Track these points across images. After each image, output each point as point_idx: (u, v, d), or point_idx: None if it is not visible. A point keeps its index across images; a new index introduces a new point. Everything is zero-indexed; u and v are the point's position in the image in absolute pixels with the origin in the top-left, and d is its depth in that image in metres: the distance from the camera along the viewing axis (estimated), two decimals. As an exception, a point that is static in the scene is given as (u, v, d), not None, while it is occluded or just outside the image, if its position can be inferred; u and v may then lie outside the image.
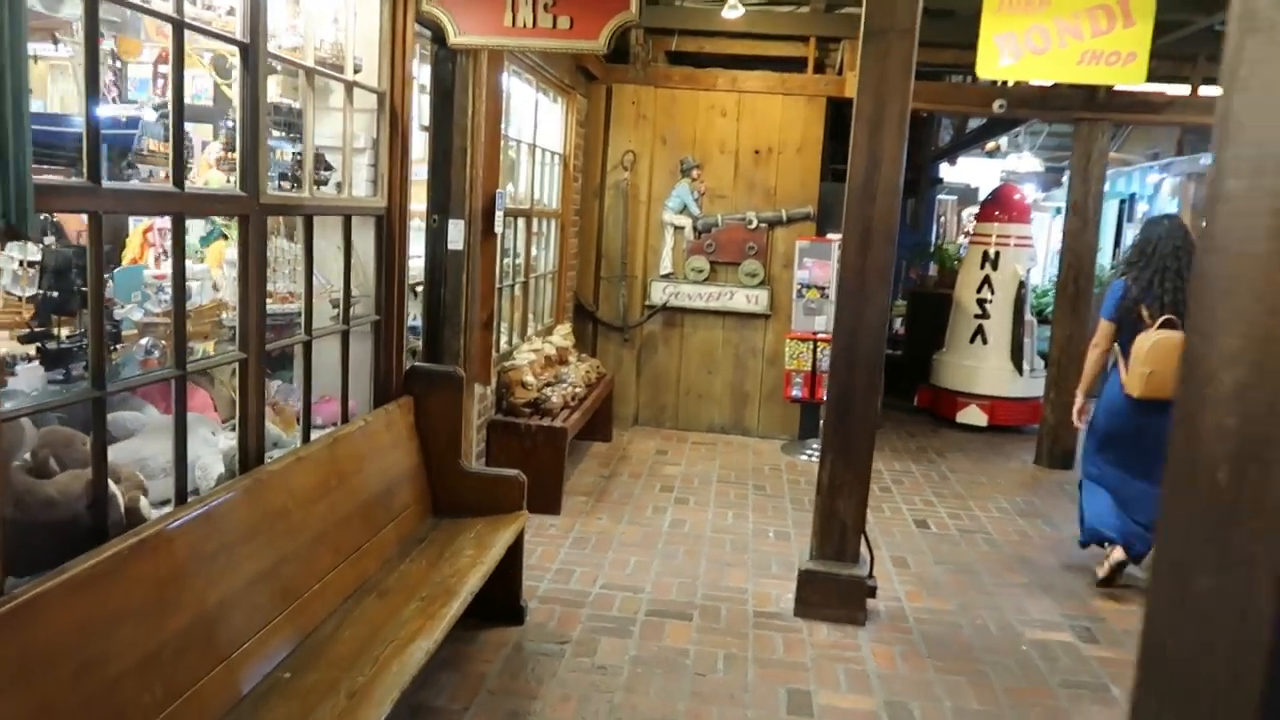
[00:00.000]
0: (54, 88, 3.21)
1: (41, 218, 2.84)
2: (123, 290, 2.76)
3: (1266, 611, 0.74)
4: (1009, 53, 5.32)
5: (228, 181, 3.37)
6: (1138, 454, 4.49)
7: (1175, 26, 6.34)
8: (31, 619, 1.72)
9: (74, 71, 2.75)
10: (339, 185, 3.34)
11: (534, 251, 6.44)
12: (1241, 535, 0.78)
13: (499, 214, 4.99)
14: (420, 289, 5.09)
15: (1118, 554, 4.64)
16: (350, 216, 3.31)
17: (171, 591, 2.10)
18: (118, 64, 3.33)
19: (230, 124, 3.45)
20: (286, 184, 3.08)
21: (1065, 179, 15.93)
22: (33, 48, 2.63)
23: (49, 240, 2.38)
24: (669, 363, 7.57)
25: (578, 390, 5.83)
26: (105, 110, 2.77)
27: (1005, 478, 6.82)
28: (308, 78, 2.99)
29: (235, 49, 2.54)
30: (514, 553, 3.68)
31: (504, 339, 5.77)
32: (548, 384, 5.67)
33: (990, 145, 13.51)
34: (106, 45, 3.39)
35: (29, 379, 2.49)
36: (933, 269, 11.14)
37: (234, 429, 2.71)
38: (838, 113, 7.50)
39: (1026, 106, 7.16)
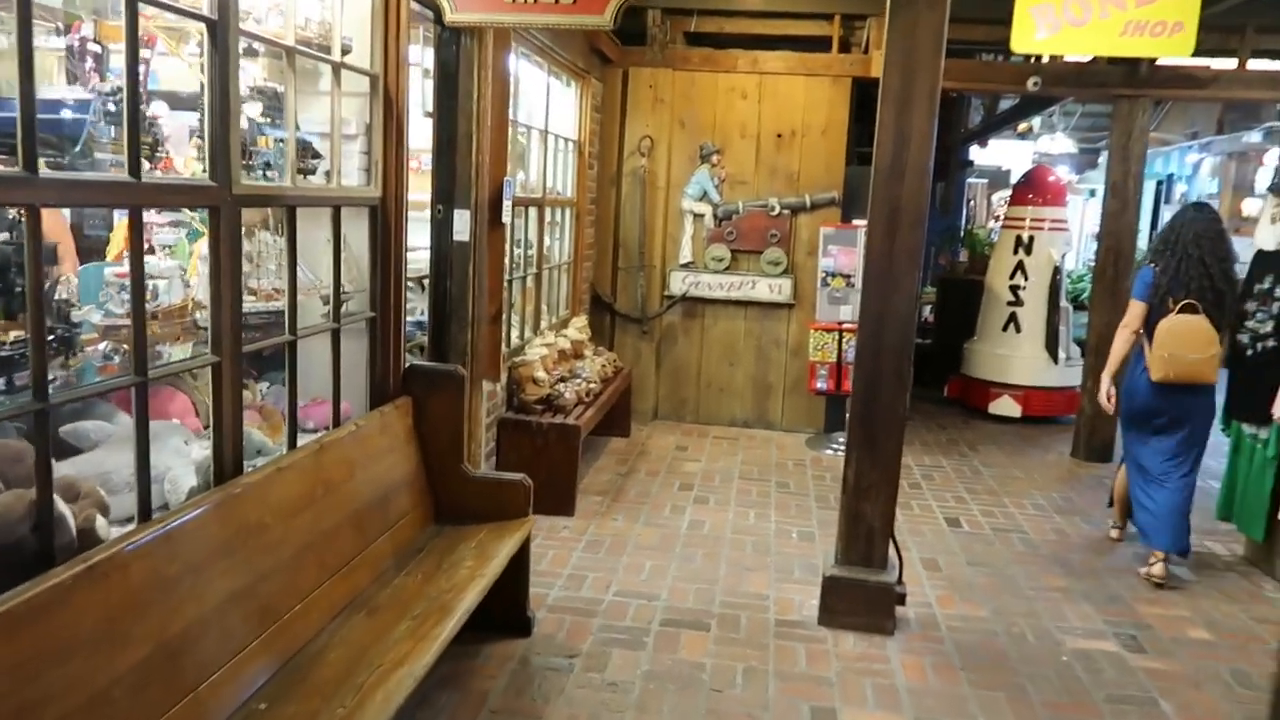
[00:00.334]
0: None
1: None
2: (87, 290, 2.58)
3: None
4: (1046, 25, 5.01)
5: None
6: (1158, 436, 4.61)
7: (1222, -5, 5.99)
8: (-45, 661, 1.53)
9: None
10: (328, 174, 3.13)
11: (547, 242, 6.23)
12: None
13: (507, 203, 4.78)
14: (426, 283, 4.92)
15: (1158, 569, 4.58)
16: (339, 207, 3.11)
17: (126, 622, 1.92)
18: (97, 49, 3.14)
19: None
20: (272, 173, 2.88)
21: (1101, 160, 15.45)
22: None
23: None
24: (689, 355, 7.34)
25: (593, 385, 5.61)
26: (53, 94, 2.58)
27: (1041, 472, 6.53)
28: (289, 58, 2.79)
29: (203, 25, 2.34)
30: (519, 561, 3.49)
31: (515, 333, 5.57)
32: (561, 379, 5.46)
33: (1022, 126, 13.13)
34: (86, 30, 3.21)
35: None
36: (963, 254, 10.81)
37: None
38: (864, 94, 7.20)
39: (1062, 84, 6.84)
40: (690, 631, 3.78)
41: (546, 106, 5.85)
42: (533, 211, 5.83)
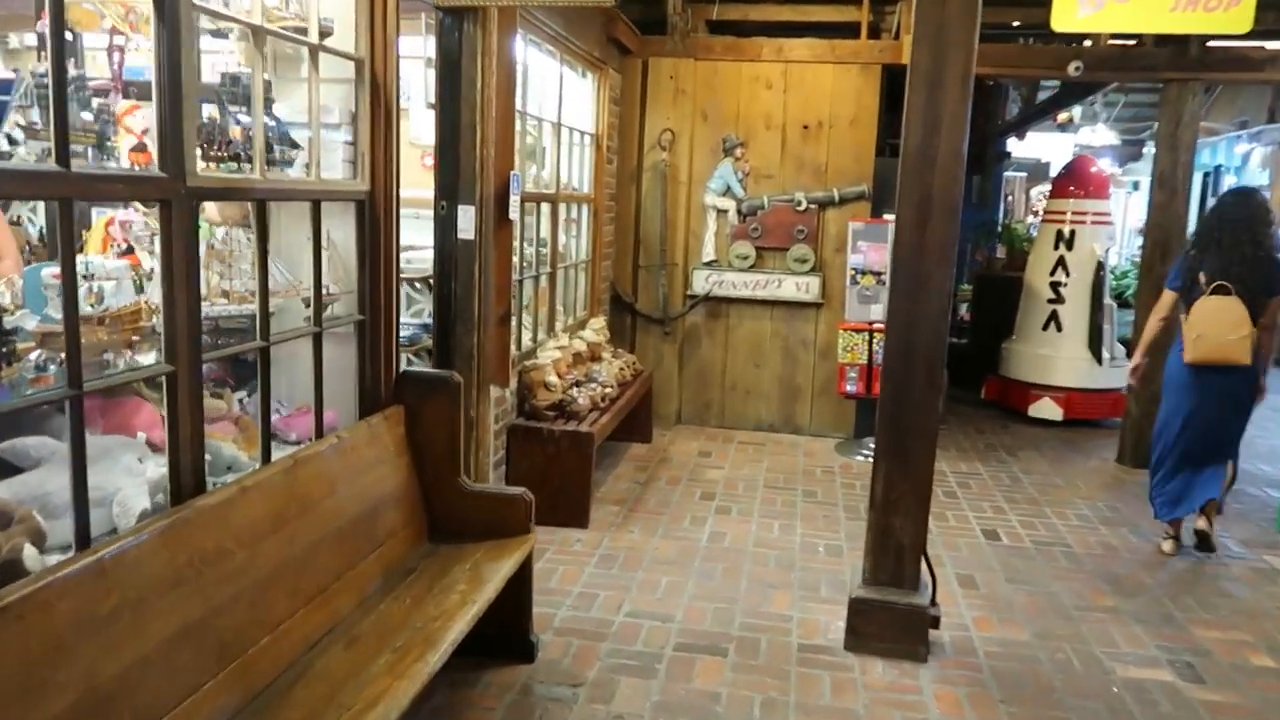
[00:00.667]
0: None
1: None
2: (34, 293, 2.38)
3: None
4: (1089, 2, 4.68)
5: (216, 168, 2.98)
6: (1196, 418, 4.67)
7: (1279, -30, 5.60)
8: None
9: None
10: (308, 167, 2.90)
11: (563, 239, 5.99)
12: None
13: (514, 198, 4.54)
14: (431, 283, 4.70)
15: (1200, 523, 4.79)
16: (319, 202, 2.88)
17: (47, 668, 1.69)
18: (69, 35, 2.94)
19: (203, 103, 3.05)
20: (246, 165, 2.65)
21: (1146, 151, 14.90)
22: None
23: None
24: (713, 356, 7.06)
25: (609, 390, 5.36)
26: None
27: (1084, 479, 6.18)
28: (255, 39, 2.56)
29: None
30: (520, 582, 3.24)
31: (527, 335, 5.34)
32: (575, 384, 5.21)
33: (1062, 117, 12.67)
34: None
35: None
36: (1000, 250, 10.42)
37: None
38: (894, 82, 6.88)
39: (1105, 68, 6.48)
40: (706, 657, 3.51)
41: (560, 98, 5.61)
42: (546, 208, 5.59)
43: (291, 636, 2.41)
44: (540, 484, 4.72)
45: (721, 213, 6.85)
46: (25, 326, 2.26)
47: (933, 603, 3.65)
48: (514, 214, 4.58)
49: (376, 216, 3.18)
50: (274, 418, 3.14)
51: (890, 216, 6.39)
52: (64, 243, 1.87)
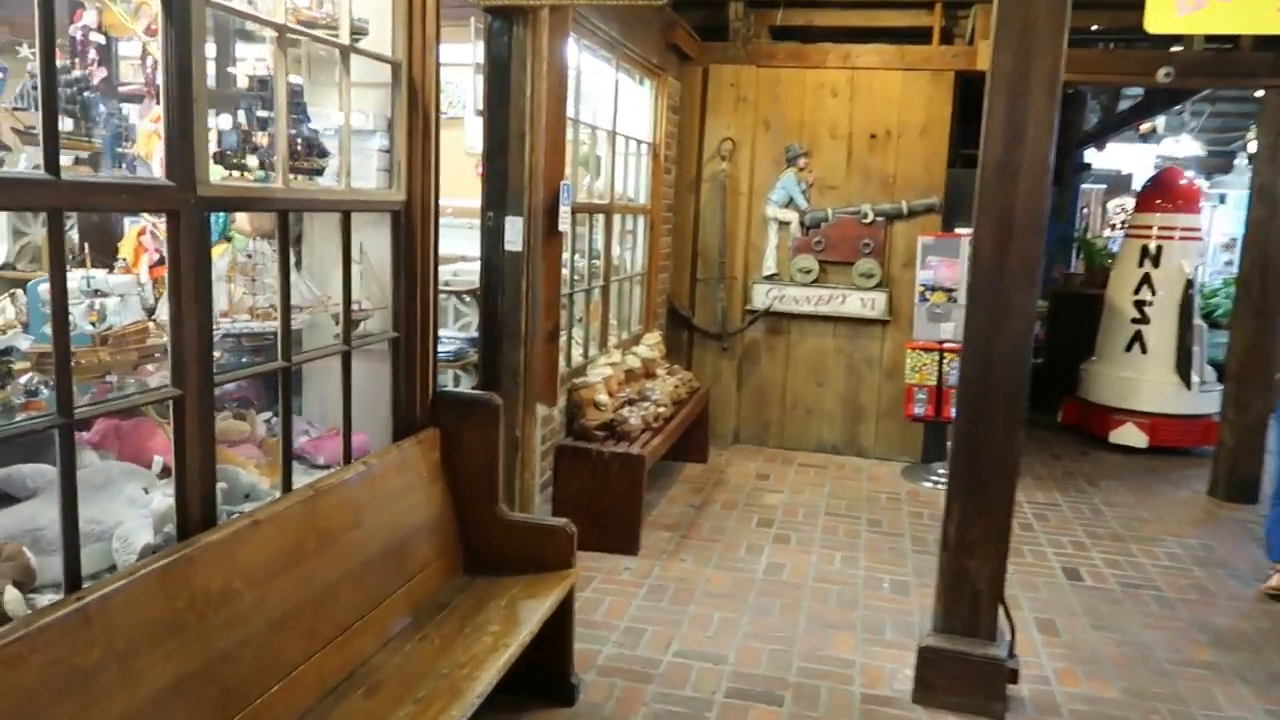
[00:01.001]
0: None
1: None
2: (37, 310, 2.24)
3: None
4: (1188, 1, 4.30)
5: (238, 177, 2.84)
6: None
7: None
8: None
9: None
10: (340, 175, 2.73)
11: (618, 251, 5.78)
12: None
13: (564, 209, 4.35)
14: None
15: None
16: (349, 212, 2.71)
17: (15, 730, 1.52)
18: (101, 39, 2.82)
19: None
20: (271, 174, 2.50)
21: (1237, 163, 14.15)
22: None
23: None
24: (773, 374, 6.78)
25: (662, 410, 5.12)
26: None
27: (1174, 513, 5.74)
28: (280, 39, 2.39)
29: (161, -5, 1.95)
30: (561, 619, 3.02)
31: (577, 351, 5.13)
32: (627, 402, 4.99)
33: (1145, 127, 12.08)
34: (89, 18, 2.90)
35: None
36: (1076, 265, 9.92)
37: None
38: (968, 89, 6.55)
39: (1199, 74, 6.04)
40: (760, 706, 3.24)
41: (615, 106, 5.41)
42: (600, 219, 5.39)
43: (306, 682, 2.22)
44: (588, 508, 4.53)
45: (783, 225, 6.58)
46: (19, 346, 2.12)
47: (1011, 654, 3.33)
48: (564, 225, 4.39)
49: (413, 228, 3.00)
50: (302, 440, 2.99)
51: (963, 231, 6.07)
52: (52, 257, 1.70)
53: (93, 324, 2.21)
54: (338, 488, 2.49)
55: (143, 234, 3.09)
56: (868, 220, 6.39)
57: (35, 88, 1.93)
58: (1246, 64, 5.76)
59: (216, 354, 2.69)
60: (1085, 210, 14.21)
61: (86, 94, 2.19)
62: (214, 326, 2.74)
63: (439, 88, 3.04)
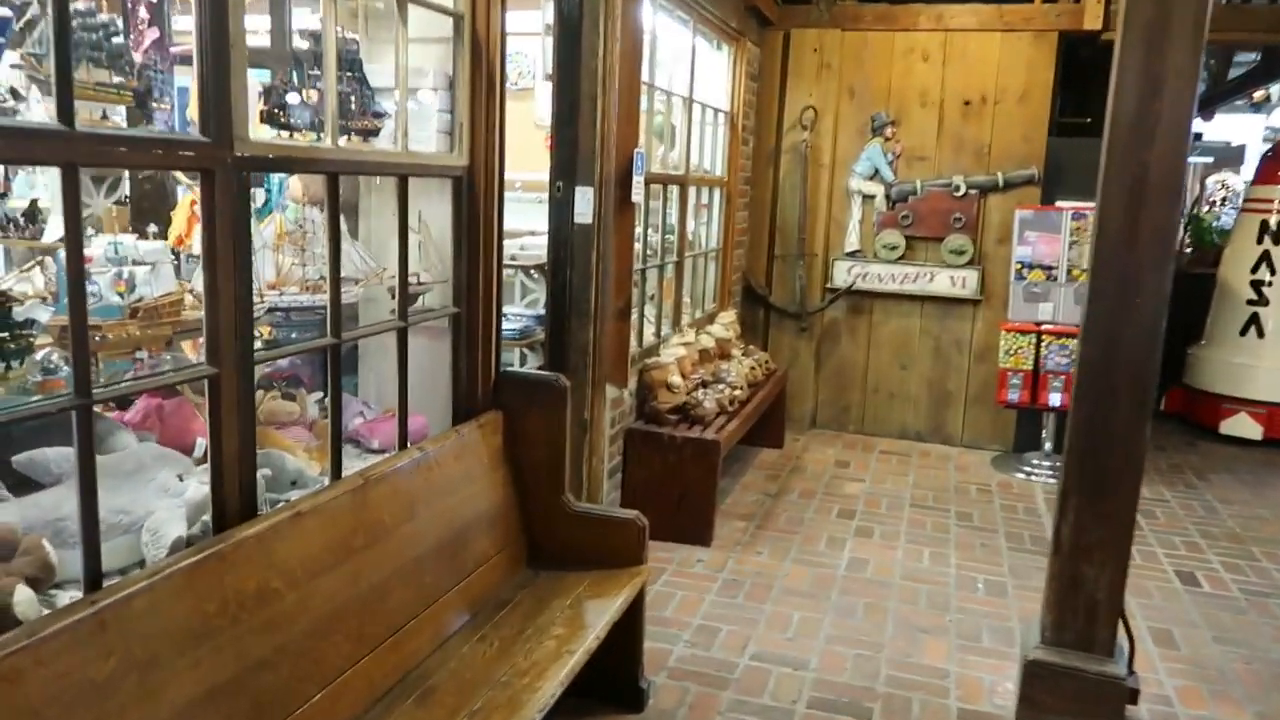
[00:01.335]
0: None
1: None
2: (64, 279, 2.08)
3: None
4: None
5: (287, 137, 2.65)
6: None
7: None
8: None
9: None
10: (398, 137, 2.52)
11: (692, 226, 5.50)
12: None
13: (637, 179, 4.09)
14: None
15: None
16: (406, 177, 2.49)
17: (16, 753, 1.34)
18: (152, -2, 2.65)
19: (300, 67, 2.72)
20: (320, 134, 2.30)
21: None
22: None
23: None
24: (854, 356, 6.43)
25: (738, 393, 4.85)
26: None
27: (1297, 513, 5.26)
28: (328, -19, 2.18)
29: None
30: (631, 620, 2.79)
31: (649, 330, 4.87)
32: (701, 384, 4.72)
33: (1259, 95, 11.26)
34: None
35: None
36: (1183, 242, 9.27)
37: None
38: (1072, 52, 6.09)
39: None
40: (845, 719, 2.97)
41: (692, 71, 5.11)
42: (674, 191, 5.11)
43: (352, 689, 2.03)
44: (659, 495, 4.30)
45: (868, 198, 6.20)
46: (39, 319, 1.96)
47: (1130, 671, 2.98)
48: (637, 196, 4.13)
49: (476, 195, 2.78)
50: (356, 422, 2.81)
51: (1065, 203, 5.63)
52: (67, 220, 1.51)
53: (120, 294, 2.04)
54: (390, 476, 2.29)
55: (196, 204, 2.93)
56: (959, 193, 5.98)
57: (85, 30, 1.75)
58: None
59: (265, 329, 2.52)
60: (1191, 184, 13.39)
61: (114, 40, 2.00)
62: (259, 299, 2.58)
63: (505, 43, 2.80)
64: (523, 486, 2.87)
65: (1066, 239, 5.55)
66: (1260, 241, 6.64)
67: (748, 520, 4.69)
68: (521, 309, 4.75)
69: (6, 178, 2.72)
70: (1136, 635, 3.46)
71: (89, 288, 1.95)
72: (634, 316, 4.45)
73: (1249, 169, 9.56)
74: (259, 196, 2.99)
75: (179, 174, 2.95)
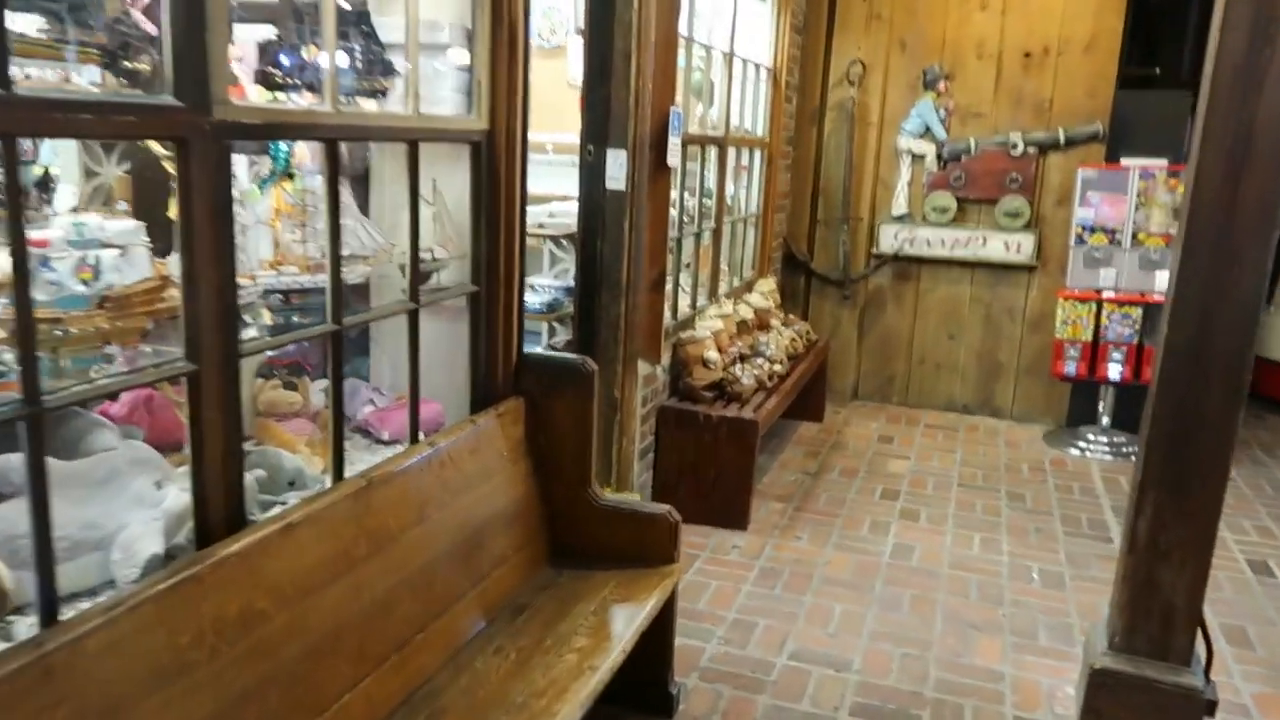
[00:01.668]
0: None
1: None
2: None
3: None
4: None
5: (286, 100, 2.43)
6: None
7: None
8: None
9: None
10: (409, 98, 2.27)
11: (730, 189, 5.21)
12: None
13: (674, 140, 3.82)
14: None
15: None
16: (416, 142, 2.25)
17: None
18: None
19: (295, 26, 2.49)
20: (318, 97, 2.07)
21: None
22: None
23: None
24: (899, 325, 6.13)
25: (777, 367, 4.59)
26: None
27: (1378, 496, 4.91)
28: (320, -78, 1.93)
29: None
30: (662, 624, 2.58)
31: (685, 300, 4.62)
32: (740, 357, 4.48)
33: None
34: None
35: None
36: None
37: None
38: (1141, -1, 5.67)
39: None
40: (893, 730, 2.75)
41: (733, 23, 4.79)
42: (712, 153, 4.82)
43: (353, 713, 1.84)
44: (693, 477, 4.09)
45: (918, 158, 5.86)
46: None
47: (1207, 680, 2.73)
48: (673, 159, 3.87)
49: (496, 162, 2.53)
50: (366, 411, 2.61)
51: (1130, 161, 5.25)
52: (9, 195, 1.30)
53: (84, 282, 1.84)
54: (396, 477, 2.08)
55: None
56: (1017, 151, 5.61)
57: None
58: None
59: (266, 313, 2.31)
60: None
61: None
62: (252, 281, 2.38)
63: (526, -8, 2.53)
64: (545, 479, 2.66)
65: (1133, 200, 5.18)
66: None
67: (786, 502, 4.47)
68: (550, 280, 4.52)
69: (34, 144, 2.55)
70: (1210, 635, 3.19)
71: (47, 275, 1.75)
72: (668, 287, 4.21)
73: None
74: (266, 165, 2.77)
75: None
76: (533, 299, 4.57)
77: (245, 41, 2.37)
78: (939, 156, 5.79)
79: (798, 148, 6.08)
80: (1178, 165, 5.17)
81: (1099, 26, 5.40)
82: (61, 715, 1.30)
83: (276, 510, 1.94)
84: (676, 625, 3.05)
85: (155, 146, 2.31)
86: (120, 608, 1.41)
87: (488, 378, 2.62)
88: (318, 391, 2.55)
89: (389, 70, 2.30)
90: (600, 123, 3.67)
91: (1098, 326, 5.25)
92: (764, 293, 5.34)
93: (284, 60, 2.08)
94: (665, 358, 4.12)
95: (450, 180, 2.60)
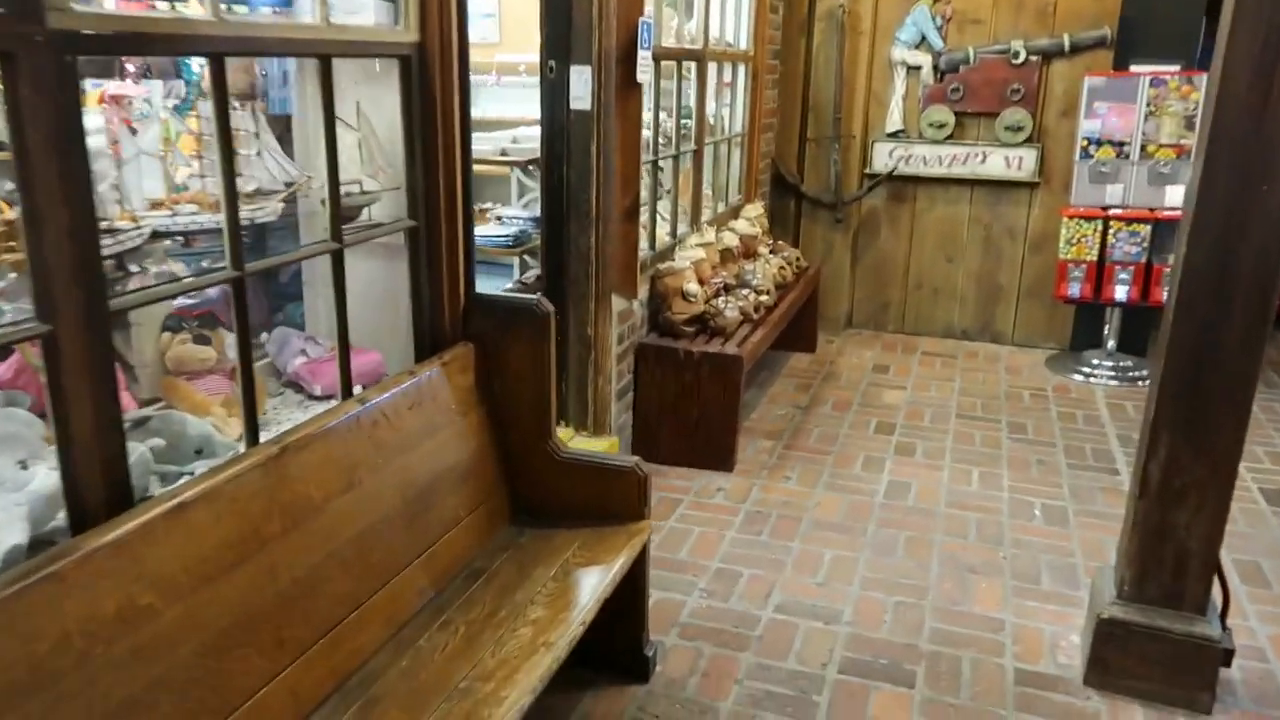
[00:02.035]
0: None
1: None
2: None
3: None
4: None
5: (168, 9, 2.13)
6: None
7: None
8: None
9: None
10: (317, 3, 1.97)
11: (712, 108, 4.88)
12: None
13: (644, 54, 3.50)
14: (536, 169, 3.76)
15: None
16: (329, 58, 1.96)
17: None
18: None
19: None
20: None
21: None
22: None
23: None
24: (895, 248, 5.85)
25: (763, 298, 4.33)
26: None
27: (1396, 416, 4.70)
28: None
29: None
30: (631, 584, 2.38)
31: (664, 229, 4.34)
32: (723, 289, 4.21)
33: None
34: None
35: None
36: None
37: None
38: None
39: None
40: (885, 688, 2.57)
41: (709, -76, 4.40)
42: (691, 68, 4.48)
43: (270, 709, 1.64)
44: (675, 417, 3.87)
45: (913, 70, 5.50)
46: None
47: (1224, 628, 2.54)
48: (643, 76, 3.55)
49: (430, 79, 2.24)
50: (297, 363, 2.36)
51: (1141, 68, 4.91)
52: None
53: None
54: (316, 440, 1.85)
55: (102, 100, 2.43)
56: (1018, 60, 5.26)
57: None
58: None
59: (159, 263, 2.05)
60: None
61: None
62: (135, 222, 2.11)
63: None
64: (501, 431, 2.43)
65: (1142, 109, 4.85)
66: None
67: (775, 439, 4.25)
68: (518, 210, 4.23)
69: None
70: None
71: None
72: (645, 216, 3.93)
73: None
74: (180, 89, 2.47)
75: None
76: (499, 232, 4.30)
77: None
78: (936, 68, 5.43)
79: (785, 62, 5.71)
80: (1191, 71, 4.83)
81: (1108, -81, 4.99)
82: None
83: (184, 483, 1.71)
84: (655, 579, 2.88)
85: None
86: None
87: (433, 322, 2.37)
88: (234, 345, 2.30)
89: (295, -28, 2.00)
90: (562, 36, 3.36)
91: (1104, 245, 4.97)
92: (751, 219, 5.05)
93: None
94: (643, 291, 3.86)
95: (380, 103, 2.31)
